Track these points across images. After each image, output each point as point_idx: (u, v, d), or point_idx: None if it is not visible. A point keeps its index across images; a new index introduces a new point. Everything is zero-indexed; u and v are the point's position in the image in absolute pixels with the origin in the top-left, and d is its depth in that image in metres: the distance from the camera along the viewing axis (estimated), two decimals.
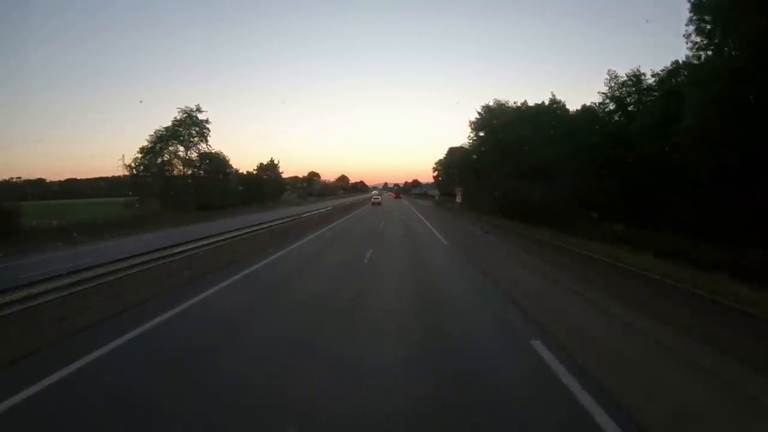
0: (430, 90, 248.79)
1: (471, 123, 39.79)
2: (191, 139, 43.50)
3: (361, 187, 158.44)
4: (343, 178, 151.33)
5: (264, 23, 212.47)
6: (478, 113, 39.17)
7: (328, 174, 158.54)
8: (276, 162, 72.99)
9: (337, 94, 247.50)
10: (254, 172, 67.80)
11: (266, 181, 67.82)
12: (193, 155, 44.24)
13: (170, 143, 42.20)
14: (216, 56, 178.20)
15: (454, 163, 58.97)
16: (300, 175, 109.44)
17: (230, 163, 54.10)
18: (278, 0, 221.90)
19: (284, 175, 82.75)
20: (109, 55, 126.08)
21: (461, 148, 73.77)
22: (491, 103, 38.62)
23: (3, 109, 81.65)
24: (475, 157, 41.36)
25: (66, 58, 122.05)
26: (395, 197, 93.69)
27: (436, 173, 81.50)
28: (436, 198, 73.26)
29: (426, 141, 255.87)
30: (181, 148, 43.22)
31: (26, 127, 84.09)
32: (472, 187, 39.59)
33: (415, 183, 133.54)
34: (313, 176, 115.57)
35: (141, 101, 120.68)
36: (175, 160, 43.12)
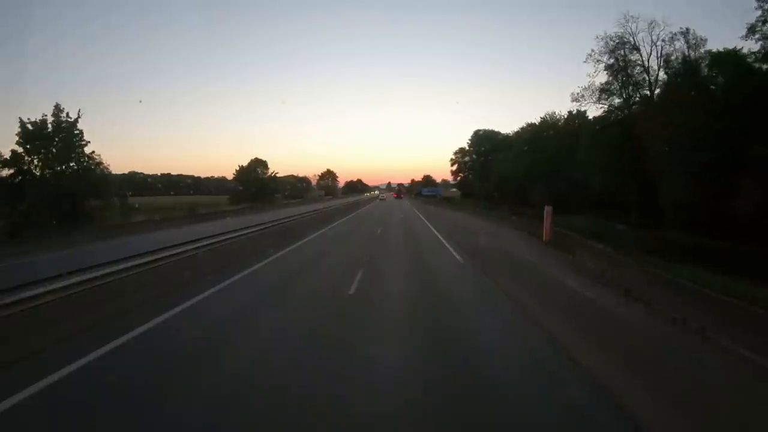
0: (435, 88, 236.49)
1: None
2: None
3: (361, 188, 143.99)
4: (329, 175, 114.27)
5: (262, 23, 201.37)
6: None
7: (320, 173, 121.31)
8: (83, 142, 24.99)
9: (335, 93, 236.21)
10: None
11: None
12: None
13: None
14: (213, 55, 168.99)
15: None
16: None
17: None
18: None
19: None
20: (108, 58, 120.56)
21: (491, 131, 58.78)
22: None
23: None
24: None
25: (66, 61, 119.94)
26: (396, 197, 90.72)
27: (455, 167, 67.05)
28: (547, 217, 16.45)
29: (430, 141, 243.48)
30: None
31: None
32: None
33: (427, 180, 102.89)
34: (257, 166, 64.15)
35: (141, 101, 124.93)
36: None
